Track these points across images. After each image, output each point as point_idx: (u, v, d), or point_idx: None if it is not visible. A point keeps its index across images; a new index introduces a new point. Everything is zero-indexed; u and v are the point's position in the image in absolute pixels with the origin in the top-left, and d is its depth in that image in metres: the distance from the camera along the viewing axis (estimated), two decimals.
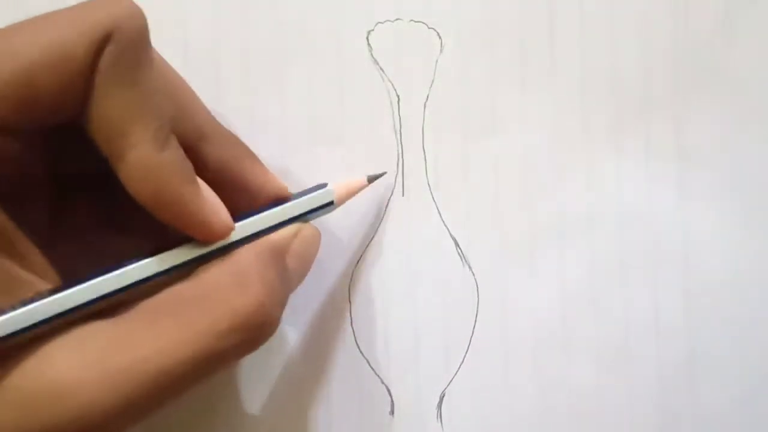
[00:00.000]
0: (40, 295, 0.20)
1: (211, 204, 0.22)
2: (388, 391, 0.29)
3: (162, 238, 0.22)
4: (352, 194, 0.26)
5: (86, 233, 0.24)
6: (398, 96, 0.28)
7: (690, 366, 0.29)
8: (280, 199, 0.25)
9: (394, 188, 0.29)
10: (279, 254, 0.23)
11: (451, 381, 0.29)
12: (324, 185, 0.25)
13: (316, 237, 0.25)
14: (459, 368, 0.29)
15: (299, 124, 0.28)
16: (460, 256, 0.29)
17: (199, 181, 0.22)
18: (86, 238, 0.24)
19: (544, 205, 0.29)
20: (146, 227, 0.22)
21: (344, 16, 0.28)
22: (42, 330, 0.20)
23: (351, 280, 0.28)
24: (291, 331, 0.28)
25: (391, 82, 0.28)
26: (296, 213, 0.24)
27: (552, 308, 0.29)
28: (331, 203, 0.25)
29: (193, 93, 0.24)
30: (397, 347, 0.29)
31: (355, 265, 0.29)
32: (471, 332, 0.29)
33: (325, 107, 0.28)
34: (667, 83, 0.28)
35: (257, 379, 0.28)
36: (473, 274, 0.29)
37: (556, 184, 0.29)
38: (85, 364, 0.19)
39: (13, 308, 0.19)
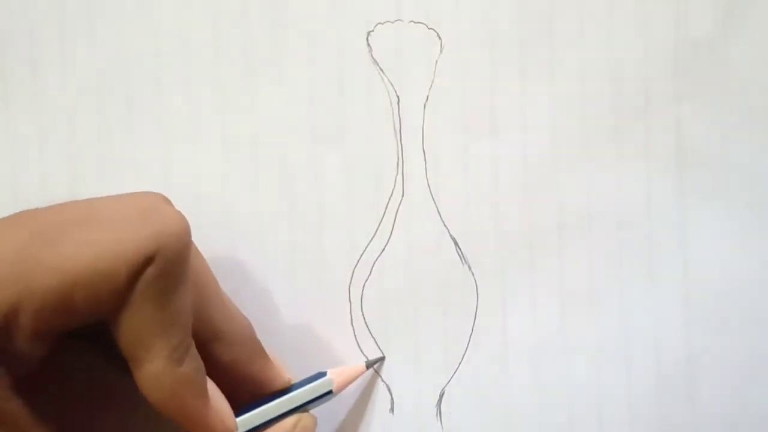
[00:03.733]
0: None
1: (217, 411, 0.23)
2: (389, 389, 0.29)
3: None
4: (350, 381, 0.28)
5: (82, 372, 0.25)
6: (398, 96, 0.28)
7: (690, 366, 0.29)
8: (284, 389, 0.26)
9: (394, 188, 0.29)
10: None
11: (450, 380, 0.29)
12: (323, 374, 0.27)
13: (313, 424, 0.26)
14: (459, 367, 0.29)
15: (299, 124, 0.28)
16: (460, 256, 0.29)
17: (208, 382, 0.23)
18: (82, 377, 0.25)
19: (544, 205, 0.29)
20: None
21: (344, 17, 0.28)
22: None
23: (351, 280, 0.29)
24: (291, 331, 0.29)
25: (391, 82, 0.28)
26: (297, 404, 0.26)
27: (551, 308, 0.29)
28: (330, 392, 0.27)
29: (216, 287, 0.25)
30: (397, 347, 0.29)
31: (355, 265, 0.29)
32: (470, 332, 0.29)
33: (325, 107, 0.28)
34: (667, 83, 0.28)
35: None
36: (473, 274, 0.29)
37: (556, 184, 0.29)
38: None
39: None
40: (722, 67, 0.28)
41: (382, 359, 0.29)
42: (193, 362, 0.23)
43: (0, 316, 0.20)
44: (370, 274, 0.29)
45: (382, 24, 0.28)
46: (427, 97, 0.28)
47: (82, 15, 0.28)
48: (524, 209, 0.29)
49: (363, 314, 0.29)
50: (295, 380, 0.27)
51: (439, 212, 0.29)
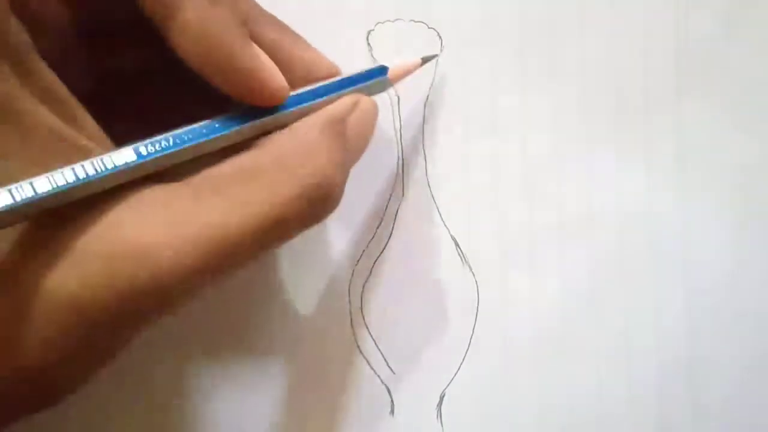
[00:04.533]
0: (97, 154, 0.19)
1: (266, 64, 0.21)
2: (388, 391, 0.29)
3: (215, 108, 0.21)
4: (407, 73, 0.26)
5: (129, 112, 0.23)
6: (398, 96, 0.28)
7: (690, 366, 0.29)
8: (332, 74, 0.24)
9: (394, 188, 0.29)
10: (340, 126, 0.22)
11: (451, 381, 0.29)
12: (381, 67, 0.25)
13: (374, 108, 0.24)
14: (459, 368, 0.29)
15: None
16: (460, 256, 0.29)
17: (254, 48, 0.21)
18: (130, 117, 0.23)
19: (544, 205, 0.29)
20: (199, 103, 0.22)
21: (344, 16, 0.28)
22: (103, 192, 0.19)
23: (351, 280, 0.29)
24: (291, 331, 0.28)
25: None
26: (352, 86, 0.24)
27: (552, 308, 0.29)
28: (386, 78, 0.25)
29: None
30: (397, 347, 0.29)
31: (355, 265, 0.29)
32: (471, 332, 0.29)
33: None
34: (667, 83, 0.28)
35: (258, 379, 0.28)
36: (473, 274, 0.29)
37: (556, 184, 0.29)
38: (156, 227, 0.18)
39: (70, 168, 0.18)
40: (722, 67, 0.28)
41: (436, 56, 0.28)
42: (231, 5, 0.20)
43: None
44: (370, 274, 0.28)
45: (382, 23, 0.28)
46: (427, 96, 0.28)
47: None
48: (524, 209, 0.29)
49: (363, 314, 0.29)
50: None
51: (439, 212, 0.29)
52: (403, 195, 0.29)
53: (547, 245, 0.29)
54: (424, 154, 0.29)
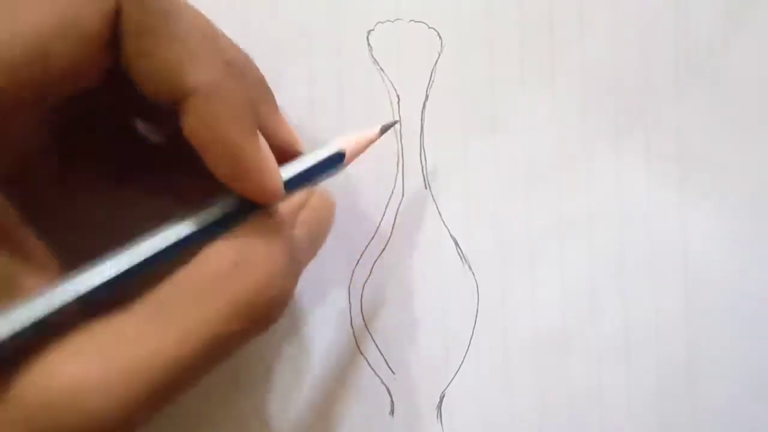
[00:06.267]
0: (39, 294, 0.18)
1: (270, 166, 0.20)
2: (388, 391, 0.29)
3: (175, 192, 0.21)
4: (363, 148, 0.25)
5: (97, 189, 0.23)
6: (398, 96, 0.28)
7: (690, 366, 0.29)
8: (290, 155, 0.23)
9: (394, 188, 0.29)
10: (285, 228, 0.21)
11: (451, 381, 0.29)
12: (336, 152, 0.23)
13: (328, 201, 0.24)
14: (459, 368, 0.29)
15: (299, 124, 0.28)
16: (460, 256, 0.29)
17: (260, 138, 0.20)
18: (97, 192, 0.22)
19: (544, 205, 0.29)
20: (158, 183, 0.21)
21: (344, 16, 0.28)
22: (42, 331, 0.18)
23: (351, 280, 0.28)
24: (291, 331, 0.28)
25: (391, 82, 0.28)
26: (299, 170, 0.22)
27: (552, 308, 0.29)
28: (341, 158, 0.23)
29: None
30: (397, 347, 0.29)
31: (355, 265, 0.29)
32: (471, 332, 0.29)
33: (325, 107, 0.28)
34: (667, 83, 0.28)
35: (257, 379, 0.28)
36: (473, 274, 0.29)
37: (556, 184, 0.29)
38: (91, 365, 0.18)
39: (8, 310, 0.18)
40: (722, 67, 0.28)
41: (395, 123, 0.27)
42: (240, 89, 0.20)
43: None
44: (370, 274, 0.28)
45: (382, 23, 0.28)
46: (428, 96, 0.28)
47: None
48: (524, 209, 0.29)
49: (363, 314, 0.29)
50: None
51: (439, 212, 0.29)
52: (403, 195, 0.29)
53: (547, 245, 0.29)
54: (424, 154, 0.29)
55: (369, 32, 0.28)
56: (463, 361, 0.29)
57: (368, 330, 0.29)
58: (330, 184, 0.28)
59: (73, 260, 0.19)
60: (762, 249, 0.29)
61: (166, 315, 0.19)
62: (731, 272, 0.29)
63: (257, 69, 0.24)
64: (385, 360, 0.29)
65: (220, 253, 0.20)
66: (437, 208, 0.29)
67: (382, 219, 0.29)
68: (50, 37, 0.18)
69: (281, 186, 0.21)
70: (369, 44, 0.28)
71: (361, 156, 0.28)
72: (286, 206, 0.22)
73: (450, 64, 0.28)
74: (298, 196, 0.23)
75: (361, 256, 0.29)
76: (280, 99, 0.28)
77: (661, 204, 0.29)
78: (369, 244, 0.29)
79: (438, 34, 0.28)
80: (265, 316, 0.20)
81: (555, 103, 0.28)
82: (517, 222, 0.29)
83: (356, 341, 0.29)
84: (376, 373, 0.29)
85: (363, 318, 0.29)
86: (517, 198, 0.29)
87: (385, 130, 0.26)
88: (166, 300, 0.19)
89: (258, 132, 0.20)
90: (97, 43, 0.18)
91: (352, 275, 0.28)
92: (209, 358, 0.19)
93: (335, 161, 0.23)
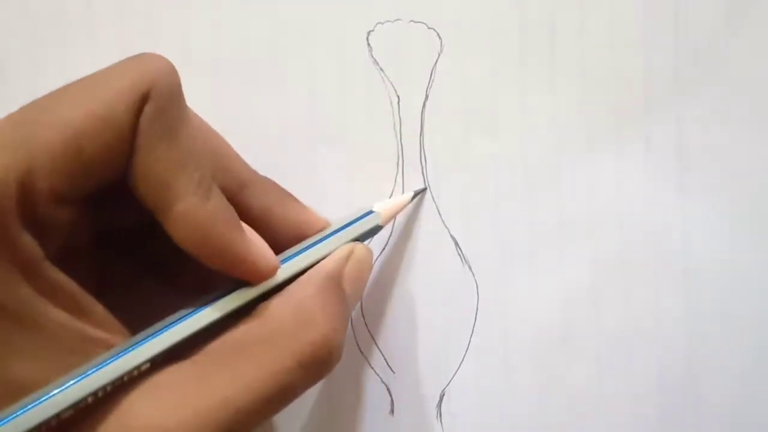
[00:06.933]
0: (113, 351, 0.20)
1: (256, 246, 0.22)
2: (388, 390, 0.29)
3: (207, 282, 0.23)
4: (396, 212, 0.27)
5: (132, 286, 0.25)
6: (398, 96, 0.28)
7: (690, 366, 0.29)
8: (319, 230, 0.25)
9: (394, 188, 0.29)
10: (336, 282, 0.23)
11: (451, 380, 0.29)
12: (370, 212, 0.26)
13: (369, 256, 0.26)
14: (459, 368, 0.29)
15: (299, 124, 0.28)
16: (460, 256, 0.29)
17: (243, 224, 0.23)
18: (132, 290, 0.24)
19: (544, 205, 0.29)
20: (190, 274, 0.23)
21: (344, 16, 0.28)
22: (120, 382, 0.20)
23: None
24: None
25: (391, 82, 0.28)
26: (343, 241, 0.25)
27: (552, 308, 0.29)
28: (377, 227, 0.26)
29: (228, 145, 0.25)
30: (397, 347, 0.29)
31: None
32: (471, 332, 0.29)
33: (325, 107, 0.28)
34: (667, 83, 0.28)
35: None
36: (473, 274, 0.29)
37: (556, 184, 0.29)
38: (168, 410, 0.20)
39: (90, 368, 0.20)
40: (722, 67, 0.28)
41: (424, 190, 0.28)
42: (221, 199, 0.22)
43: (16, 182, 0.19)
44: (370, 274, 0.28)
45: (382, 24, 0.28)
46: (427, 96, 0.28)
47: (82, 15, 0.28)
48: (524, 209, 0.29)
49: (363, 314, 0.29)
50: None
51: (439, 212, 0.29)
52: (403, 195, 0.29)
53: (547, 245, 0.29)
54: (424, 154, 0.29)
55: (369, 32, 0.28)
56: (463, 361, 0.29)
57: (368, 329, 0.29)
58: (330, 184, 0.28)
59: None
60: (762, 248, 0.29)
61: (234, 364, 0.21)
62: (731, 272, 0.29)
63: (267, 180, 0.26)
64: (385, 359, 0.29)
65: (282, 307, 0.22)
66: (437, 208, 0.29)
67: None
68: (85, 132, 0.20)
69: (275, 264, 0.23)
70: (369, 44, 0.28)
71: (362, 156, 0.29)
72: (333, 262, 0.24)
73: (450, 64, 0.28)
74: (344, 250, 0.25)
75: None
76: (280, 99, 0.28)
77: (661, 204, 0.29)
78: (369, 244, 0.29)
79: (438, 34, 0.28)
80: (323, 367, 0.22)
81: (555, 103, 0.28)
82: (517, 222, 0.29)
83: (356, 340, 0.29)
84: (376, 372, 0.29)
85: (363, 318, 0.29)
86: (517, 198, 0.29)
87: (416, 194, 0.28)
88: (231, 350, 0.21)
89: (241, 224, 0.22)
90: (125, 135, 0.20)
91: None
92: (273, 405, 0.21)
93: (373, 231, 0.26)
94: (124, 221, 0.23)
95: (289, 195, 0.26)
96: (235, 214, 0.22)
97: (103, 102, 0.20)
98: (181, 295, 0.24)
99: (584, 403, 0.29)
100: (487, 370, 0.29)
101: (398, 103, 0.28)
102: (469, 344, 0.29)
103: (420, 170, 0.29)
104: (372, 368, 0.29)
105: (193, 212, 0.21)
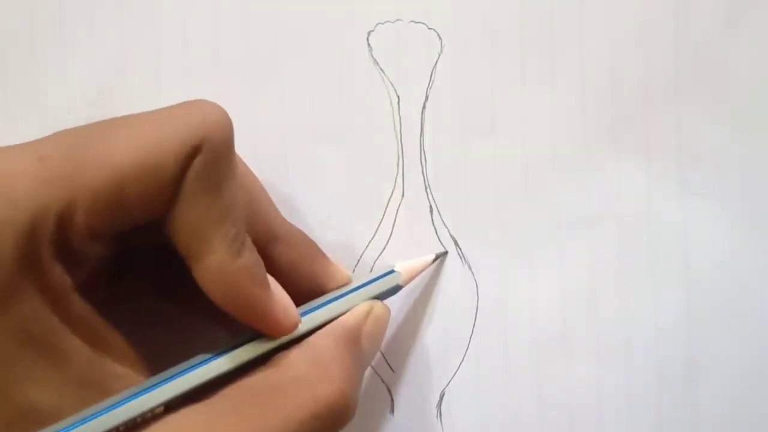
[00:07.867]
0: (129, 391, 0.21)
1: (280, 303, 0.23)
2: (388, 390, 0.29)
3: (217, 310, 0.23)
4: (417, 274, 0.27)
5: (139, 304, 0.25)
6: (398, 96, 0.28)
7: (690, 366, 0.29)
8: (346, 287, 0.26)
9: (394, 188, 0.29)
10: (354, 338, 0.24)
11: (451, 380, 0.29)
12: (391, 271, 0.26)
13: (387, 315, 0.26)
14: (459, 368, 0.29)
15: (299, 124, 0.28)
16: (460, 256, 0.29)
17: (269, 278, 0.23)
18: (141, 309, 0.25)
19: (544, 206, 0.29)
20: (202, 296, 0.23)
21: (344, 16, 0.28)
22: (134, 423, 0.21)
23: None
24: None
25: (391, 82, 0.28)
26: (364, 298, 0.25)
27: (552, 308, 0.29)
28: (398, 287, 0.26)
29: (266, 194, 0.25)
30: (397, 347, 0.29)
31: (355, 266, 0.29)
32: (471, 332, 0.29)
33: (325, 107, 0.28)
34: (667, 83, 0.28)
35: None
36: (473, 274, 0.29)
37: (556, 184, 0.29)
38: None
39: (105, 407, 0.20)
40: (722, 67, 0.28)
41: (445, 254, 0.28)
42: (252, 255, 0.22)
43: (56, 214, 0.19)
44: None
45: (382, 24, 0.28)
46: (427, 96, 0.28)
47: (82, 15, 0.28)
48: (524, 209, 0.29)
49: None
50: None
51: (439, 212, 0.29)
52: (403, 195, 0.29)
53: (547, 245, 0.29)
54: (424, 154, 0.29)
55: (369, 33, 0.28)
56: (462, 361, 0.29)
57: None
58: (330, 183, 0.29)
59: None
60: (762, 249, 0.29)
61: (249, 411, 0.21)
62: (731, 272, 0.29)
63: (299, 233, 0.26)
64: (385, 359, 0.29)
65: (300, 358, 0.22)
66: (437, 208, 0.29)
67: (382, 219, 0.29)
68: (130, 176, 0.20)
69: (296, 320, 0.23)
70: (369, 44, 0.28)
71: (361, 156, 0.29)
72: (353, 318, 0.24)
73: (450, 64, 0.28)
74: (364, 306, 0.25)
75: (361, 256, 0.29)
76: (280, 99, 0.28)
77: (661, 204, 0.29)
78: (369, 244, 0.29)
79: (438, 34, 0.28)
80: (340, 420, 0.22)
81: (555, 103, 0.28)
82: (517, 222, 0.29)
83: None
84: (376, 371, 0.29)
85: None
86: (517, 198, 0.29)
87: (438, 257, 0.28)
88: (247, 396, 0.21)
89: (268, 282, 0.23)
90: (170, 184, 0.21)
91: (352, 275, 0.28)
92: None
93: (393, 290, 0.26)
94: (141, 244, 0.23)
95: (317, 249, 0.26)
96: (263, 270, 0.23)
97: (153, 149, 0.20)
98: (189, 315, 0.24)
99: (584, 403, 0.29)
100: (487, 370, 0.29)
101: (398, 103, 0.28)
102: (469, 344, 0.29)
103: (420, 170, 0.29)
104: (372, 367, 0.29)
105: (223, 267, 0.21)
